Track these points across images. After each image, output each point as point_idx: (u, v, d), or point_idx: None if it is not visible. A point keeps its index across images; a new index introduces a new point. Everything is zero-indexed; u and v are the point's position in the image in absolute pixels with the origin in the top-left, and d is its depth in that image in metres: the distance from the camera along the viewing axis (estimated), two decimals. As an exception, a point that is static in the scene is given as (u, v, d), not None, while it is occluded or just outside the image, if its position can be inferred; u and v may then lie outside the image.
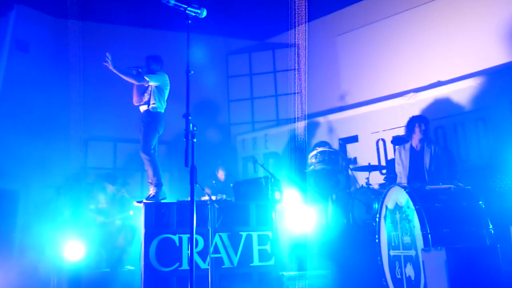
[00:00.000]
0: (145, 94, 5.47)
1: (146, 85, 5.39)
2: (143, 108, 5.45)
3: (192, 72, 3.13)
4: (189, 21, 3.15)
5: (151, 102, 5.38)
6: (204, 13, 3.22)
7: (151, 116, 5.36)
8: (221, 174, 7.50)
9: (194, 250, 4.97)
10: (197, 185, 5.73)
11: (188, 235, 4.95)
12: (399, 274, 4.38)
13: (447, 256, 3.37)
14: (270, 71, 9.31)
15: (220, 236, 5.14)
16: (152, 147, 5.28)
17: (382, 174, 6.98)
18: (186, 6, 3.15)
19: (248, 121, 9.26)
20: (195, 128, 2.98)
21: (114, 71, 5.12)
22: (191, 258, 2.88)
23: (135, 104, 5.62)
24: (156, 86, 5.41)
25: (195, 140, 2.93)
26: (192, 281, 2.80)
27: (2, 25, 6.47)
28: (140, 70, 5.50)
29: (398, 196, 4.45)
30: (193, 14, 3.18)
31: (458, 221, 4.04)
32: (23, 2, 7.02)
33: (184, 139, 2.89)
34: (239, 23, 8.71)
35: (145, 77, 5.32)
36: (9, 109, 7.25)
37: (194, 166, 2.83)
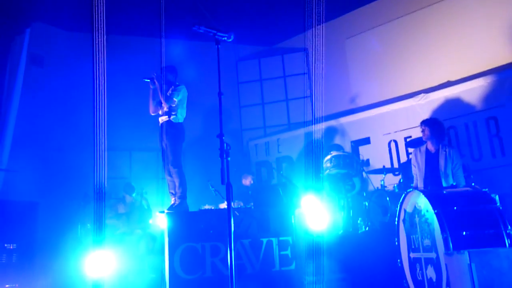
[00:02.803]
0: (163, 105, 5.57)
1: (173, 105, 5.49)
2: (163, 119, 5.54)
3: (223, 94, 3.23)
4: (218, 46, 3.26)
5: (172, 113, 5.49)
6: (232, 37, 3.33)
7: (175, 128, 5.47)
8: (249, 180, 7.61)
9: (218, 258, 5.11)
10: (217, 193, 5.89)
11: (211, 243, 5.12)
12: (420, 276, 4.47)
13: (470, 259, 3.46)
14: (280, 76, 9.40)
15: (241, 243, 5.25)
16: (180, 158, 5.40)
17: (395, 175, 7.07)
18: (215, 32, 3.27)
19: (260, 126, 9.36)
20: (229, 147, 3.09)
21: (157, 86, 5.33)
22: (230, 265, 2.97)
23: (152, 114, 5.72)
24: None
25: (229, 158, 3.04)
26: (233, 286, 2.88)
27: (19, 42, 6.61)
28: (154, 75, 5.59)
29: (416, 200, 4.53)
30: (222, 39, 3.29)
31: (477, 224, 4.11)
32: (40, 19, 7.15)
33: (219, 158, 3.00)
34: (248, 29, 8.80)
35: (173, 99, 5.49)
36: (27, 122, 7.39)
37: (230, 184, 2.94)
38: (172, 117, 5.49)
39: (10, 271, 6.58)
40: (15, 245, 6.86)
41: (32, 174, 7.35)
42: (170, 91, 5.56)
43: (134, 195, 7.15)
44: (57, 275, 6.34)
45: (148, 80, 5.58)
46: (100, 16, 6.96)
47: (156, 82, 5.53)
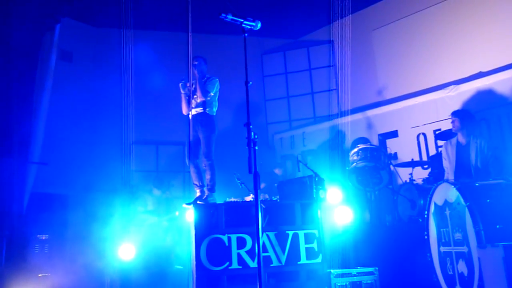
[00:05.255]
0: (198, 97, 5.56)
1: (209, 99, 5.50)
2: (197, 110, 5.52)
3: (251, 83, 3.22)
4: (246, 34, 3.24)
5: (207, 105, 5.49)
6: (259, 25, 3.31)
7: (210, 120, 5.49)
8: (278, 170, 7.77)
9: (243, 250, 5.12)
10: (243, 185, 5.90)
11: (237, 235, 5.13)
12: (450, 270, 4.37)
13: (505, 253, 3.36)
14: (306, 69, 9.33)
15: (267, 235, 5.23)
16: (213, 151, 5.43)
17: (424, 168, 6.93)
18: (242, 20, 3.26)
19: (285, 119, 9.32)
20: (256, 136, 3.08)
21: (197, 76, 5.46)
22: (258, 257, 2.95)
23: (185, 114, 5.72)
24: None
25: (257, 147, 3.03)
26: (261, 278, 2.88)
27: (49, 38, 6.74)
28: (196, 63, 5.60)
29: (447, 193, 4.43)
30: (249, 27, 3.27)
31: (510, 217, 3.99)
32: (69, 15, 7.29)
33: (247, 147, 2.99)
34: (273, 22, 8.75)
35: (210, 93, 5.49)
36: (57, 117, 7.56)
37: (257, 173, 2.93)
38: (207, 109, 5.48)
39: (43, 261, 6.76)
40: (47, 235, 7.04)
41: (63, 167, 7.53)
42: (204, 84, 5.54)
43: (161, 189, 7.25)
44: (86, 264, 6.47)
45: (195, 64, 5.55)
46: (128, 12, 7.06)
47: (197, 74, 5.52)
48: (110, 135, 7.95)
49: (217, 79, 5.60)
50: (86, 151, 7.95)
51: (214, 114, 5.59)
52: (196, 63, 5.55)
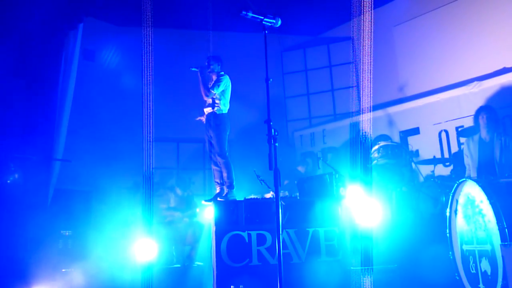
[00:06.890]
0: (204, 98, 5.63)
1: (215, 97, 5.54)
2: (207, 110, 5.61)
3: (271, 80, 3.23)
4: (266, 32, 3.26)
5: (215, 104, 5.54)
6: (279, 23, 3.32)
7: (219, 119, 5.53)
8: (301, 168, 7.81)
9: (263, 247, 5.14)
10: (263, 182, 5.92)
11: (257, 232, 5.15)
12: (473, 269, 4.31)
13: (529, 251, 3.30)
14: (326, 66, 9.29)
15: (287, 233, 5.24)
16: (226, 149, 5.47)
17: (445, 166, 6.83)
18: (262, 18, 3.27)
19: (305, 117, 9.30)
20: (276, 133, 3.09)
21: (200, 79, 5.51)
22: (278, 253, 2.97)
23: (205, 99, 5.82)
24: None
25: (277, 144, 3.04)
26: (281, 275, 2.90)
27: (72, 37, 6.87)
28: (195, 69, 5.66)
29: (470, 190, 4.36)
30: (269, 24, 3.29)
31: (537, 215, 3.91)
32: (91, 15, 7.41)
33: (267, 144, 3.01)
34: (293, 19, 8.72)
35: (212, 91, 5.52)
36: (80, 115, 7.70)
37: (277, 169, 2.94)
38: (215, 108, 5.54)
39: (66, 256, 6.90)
40: (70, 231, 7.18)
41: (86, 164, 7.66)
42: (211, 83, 5.60)
43: (182, 186, 7.32)
44: (109, 260, 6.59)
45: (196, 69, 5.64)
46: (148, 10, 7.14)
47: (199, 76, 5.58)
48: (132, 132, 8.06)
49: (225, 77, 5.61)
50: (108, 148, 8.07)
51: (224, 112, 5.61)
52: (205, 64, 5.62)
